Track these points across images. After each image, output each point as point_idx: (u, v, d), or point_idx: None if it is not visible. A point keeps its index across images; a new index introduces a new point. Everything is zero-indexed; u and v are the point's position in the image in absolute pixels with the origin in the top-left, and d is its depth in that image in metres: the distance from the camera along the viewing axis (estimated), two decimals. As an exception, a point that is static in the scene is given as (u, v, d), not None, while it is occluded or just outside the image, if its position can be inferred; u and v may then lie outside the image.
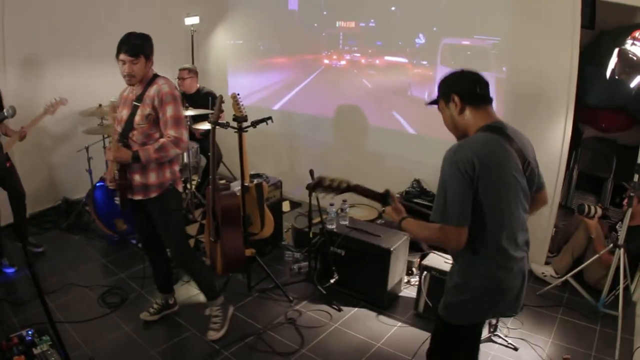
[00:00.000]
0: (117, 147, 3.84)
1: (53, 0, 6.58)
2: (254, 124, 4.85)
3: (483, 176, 2.42)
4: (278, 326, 4.56)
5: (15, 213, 5.59)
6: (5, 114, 3.16)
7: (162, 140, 3.85)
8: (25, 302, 4.91)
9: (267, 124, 4.88)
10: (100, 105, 6.31)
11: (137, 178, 3.98)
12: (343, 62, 6.78)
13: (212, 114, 5.22)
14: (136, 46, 3.78)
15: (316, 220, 5.16)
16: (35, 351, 3.99)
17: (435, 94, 2.77)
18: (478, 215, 2.47)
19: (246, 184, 4.93)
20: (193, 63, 7.67)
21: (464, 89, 2.62)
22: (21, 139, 5.34)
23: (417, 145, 6.18)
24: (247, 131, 4.79)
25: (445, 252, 4.60)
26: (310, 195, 4.88)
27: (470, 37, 5.63)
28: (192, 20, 7.62)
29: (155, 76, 3.98)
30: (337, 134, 7.00)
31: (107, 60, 6.98)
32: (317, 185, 2.85)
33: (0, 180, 5.39)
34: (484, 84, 2.64)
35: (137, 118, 3.87)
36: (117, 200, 4.14)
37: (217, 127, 4.72)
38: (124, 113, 4.00)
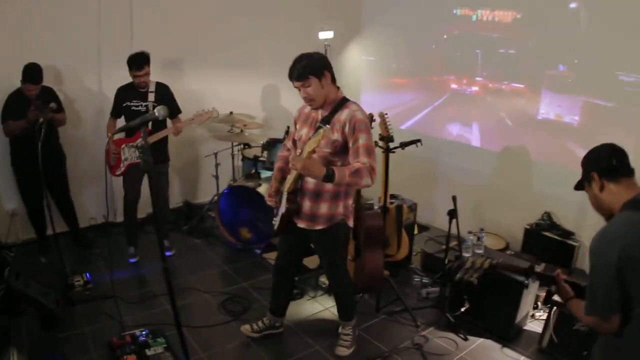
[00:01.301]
0: (309, 157, 3.36)
1: (191, 8, 6.70)
2: (403, 145, 4.67)
3: (629, 269, 2.19)
4: (404, 351, 4.34)
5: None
6: (157, 113, 3.02)
7: (357, 164, 3.45)
8: (138, 301, 4.94)
9: (417, 146, 4.67)
10: (231, 112, 6.29)
11: (306, 205, 3.76)
12: (476, 88, 6.47)
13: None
14: (302, 68, 3.52)
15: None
16: (149, 352, 3.98)
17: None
18: (631, 305, 2.25)
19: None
20: (326, 78, 7.56)
21: (600, 165, 2.46)
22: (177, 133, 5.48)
23: (547, 176, 5.82)
24: (394, 152, 4.63)
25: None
26: (450, 221, 4.63)
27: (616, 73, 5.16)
28: (326, 35, 7.54)
29: (346, 99, 3.72)
30: (466, 159, 6.72)
31: (240, 70, 7.13)
32: (458, 268, 3.15)
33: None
34: (620, 154, 2.46)
35: (322, 142, 3.46)
36: (275, 220, 3.94)
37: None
38: (304, 132, 3.78)
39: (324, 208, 3.74)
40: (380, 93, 7.76)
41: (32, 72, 5.10)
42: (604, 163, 2.44)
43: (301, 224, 3.82)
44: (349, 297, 4.29)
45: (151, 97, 5.41)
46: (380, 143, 4.60)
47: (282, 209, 3.80)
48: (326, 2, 7.84)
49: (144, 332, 4.17)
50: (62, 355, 3.89)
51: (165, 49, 6.53)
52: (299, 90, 3.60)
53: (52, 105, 4.97)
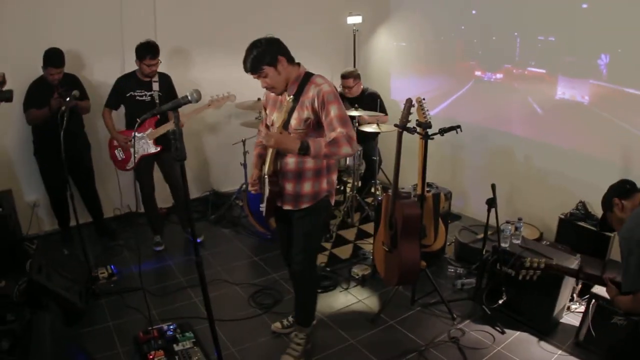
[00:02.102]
0: (280, 131, 3.34)
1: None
2: (442, 131, 4.49)
3: None
4: (441, 344, 4.20)
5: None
6: (189, 97, 2.86)
7: (334, 134, 3.33)
8: (164, 293, 4.85)
9: (457, 132, 4.50)
10: (259, 99, 6.17)
11: (289, 187, 3.62)
12: (500, 75, 6.25)
13: (377, 115, 5.44)
14: (254, 60, 3.44)
15: (481, 235, 4.84)
16: (177, 347, 3.87)
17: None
18: None
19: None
20: (355, 63, 7.46)
21: (618, 190, 3.21)
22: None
23: (580, 164, 5.62)
24: (433, 138, 4.48)
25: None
26: (488, 211, 4.44)
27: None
28: (354, 20, 7.40)
29: (310, 74, 3.57)
30: (498, 146, 6.52)
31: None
32: (520, 266, 3.53)
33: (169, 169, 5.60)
34: (631, 182, 3.22)
35: (294, 122, 3.44)
36: (262, 207, 3.87)
37: (403, 132, 4.38)
38: (275, 116, 3.65)
39: (307, 187, 3.61)
40: (412, 79, 7.52)
41: (52, 56, 5.06)
42: (621, 188, 3.21)
43: (287, 206, 3.69)
44: (313, 298, 4.08)
45: (155, 86, 5.40)
46: (418, 129, 4.42)
47: (266, 192, 3.68)
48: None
49: (171, 327, 4.06)
50: (86, 352, 3.78)
51: (189, 36, 6.50)
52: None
53: (75, 92, 4.85)
